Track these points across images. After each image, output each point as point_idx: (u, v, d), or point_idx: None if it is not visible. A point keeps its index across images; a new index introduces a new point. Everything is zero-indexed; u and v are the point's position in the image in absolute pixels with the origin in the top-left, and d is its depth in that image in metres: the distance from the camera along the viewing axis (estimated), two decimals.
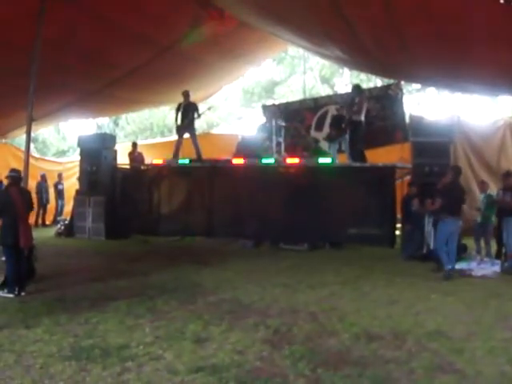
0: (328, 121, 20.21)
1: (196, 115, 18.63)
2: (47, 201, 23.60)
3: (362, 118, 16.93)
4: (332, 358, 6.29)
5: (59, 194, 24.03)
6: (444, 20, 9.33)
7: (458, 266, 12.12)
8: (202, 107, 21.65)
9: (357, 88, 18.27)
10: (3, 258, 9.96)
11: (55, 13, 12.03)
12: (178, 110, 18.94)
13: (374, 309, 8.69)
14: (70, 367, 5.90)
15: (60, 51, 14.01)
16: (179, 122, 18.73)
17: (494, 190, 15.02)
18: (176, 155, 18.84)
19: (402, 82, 20.75)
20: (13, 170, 10.50)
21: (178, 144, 19.02)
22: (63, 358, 6.18)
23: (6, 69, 14.71)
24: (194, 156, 18.61)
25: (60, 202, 24.01)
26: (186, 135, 18.88)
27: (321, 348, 6.64)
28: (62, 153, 41.71)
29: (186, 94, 18.75)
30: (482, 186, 15.33)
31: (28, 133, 12.64)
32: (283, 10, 12.26)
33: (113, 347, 6.54)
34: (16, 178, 10.33)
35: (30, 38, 11.90)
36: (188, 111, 18.63)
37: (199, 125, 20.34)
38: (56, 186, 24.06)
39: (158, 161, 19.18)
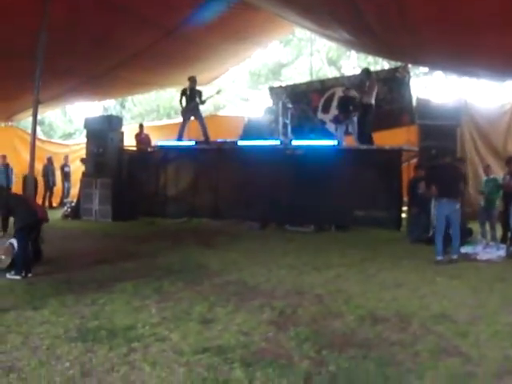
0: (335, 103, 20.16)
1: (199, 101, 18.76)
2: (54, 183, 23.64)
3: (373, 101, 16.96)
4: (337, 339, 6.31)
5: (66, 176, 24.07)
6: (452, 2, 9.28)
7: (464, 249, 12.11)
8: (209, 90, 21.64)
9: (366, 72, 18.24)
10: (11, 242, 10.00)
11: None
12: (183, 94, 19.01)
13: (379, 291, 8.71)
14: (77, 348, 5.92)
15: (66, 34, 13.98)
16: (184, 104, 18.78)
17: (500, 174, 14.97)
18: (180, 137, 18.88)
19: (410, 65, 20.68)
20: None
21: (183, 127, 19.08)
22: (70, 339, 6.21)
23: (11, 51, 14.71)
24: (200, 138, 18.66)
25: (66, 185, 24.06)
26: (191, 119, 18.98)
27: (326, 330, 6.66)
28: (69, 135, 41.72)
29: (192, 80, 18.83)
30: (487, 169, 15.31)
31: (34, 115, 12.64)
32: None
33: (119, 328, 6.57)
34: None
35: (36, 20, 11.89)
36: (194, 95, 18.71)
37: (206, 107, 20.34)
38: (62, 168, 24.11)
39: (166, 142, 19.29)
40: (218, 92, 20.90)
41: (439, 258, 11.45)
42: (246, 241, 14.38)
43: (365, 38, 14.11)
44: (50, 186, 23.31)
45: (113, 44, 16.18)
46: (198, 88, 19.24)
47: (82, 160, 20.37)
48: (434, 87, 36.32)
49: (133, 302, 7.83)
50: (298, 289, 8.81)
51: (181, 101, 19.17)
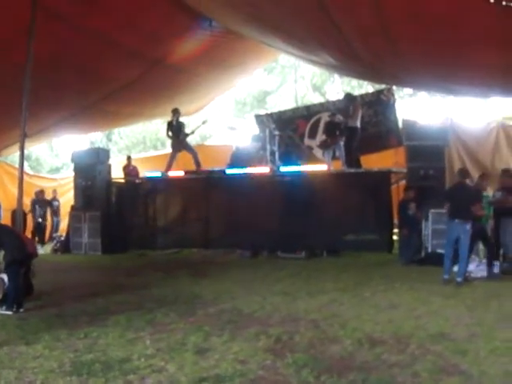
0: (321, 128, 20.22)
1: (187, 132, 19.24)
2: (43, 218, 23.50)
3: (358, 124, 17.07)
4: (335, 364, 6.25)
5: (54, 210, 23.94)
6: (434, 22, 9.36)
7: (457, 268, 12.10)
8: (195, 120, 21.70)
9: (349, 96, 18.48)
10: (1, 277, 9.89)
11: (47, 28, 12.05)
12: (169, 126, 19.16)
13: (375, 314, 8.67)
14: (72, 382, 5.83)
15: (52, 66, 13.99)
16: (171, 136, 18.97)
17: (489, 191, 15.00)
18: (169, 169, 18.92)
19: (394, 87, 20.81)
20: None
21: (172, 158, 19.13)
22: (64, 373, 6.12)
23: None
24: (188, 169, 18.71)
25: (55, 219, 23.91)
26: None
27: (324, 355, 6.60)
28: (56, 170, 41.66)
29: (176, 112, 19.04)
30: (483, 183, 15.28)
31: (21, 149, 12.57)
32: (273, 18, 12.29)
33: (114, 361, 6.47)
34: None
35: (23, 53, 11.88)
36: (180, 127, 18.90)
37: (192, 138, 20.46)
38: (51, 202, 23.98)
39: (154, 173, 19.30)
40: (203, 122, 20.96)
41: (446, 276, 11.45)
42: (238, 269, 14.32)
43: (349, 61, 14.20)
44: (38, 221, 23.17)
45: (99, 76, 16.23)
46: (181, 119, 19.36)
47: None
48: (419, 108, 36.55)
49: (126, 334, 7.72)
50: (293, 315, 8.75)
51: (168, 133, 19.26)
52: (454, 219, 11.61)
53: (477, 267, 12.79)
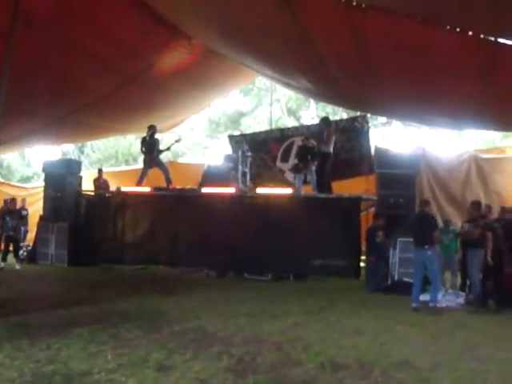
0: (294, 152, 20.29)
1: (160, 149, 19.45)
2: (12, 226, 23.23)
3: (331, 149, 17.14)
4: None
5: (22, 219, 23.67)
6: (411, 51, 9.49)
7: (423, 297, 12.16)
8: (169, 137, 21.69)
9: (325, 120, 18.61)
10: None
11: (24, 37, 11.98)
12: (143, 142, 19.21)
13: (339, 339, 8.65)
14: None
15: (27, 75, 13.90)
16: (146, 152, 18.94)
17: (458, 222, 15.15)
18: (140, 184, 18.87)
19: (369, 115, 20.97)
20: None
21: (143, 174, 19.08)
22: (24, 383, 6.05)
23: None
24: (159, 185, 18.68)
25: (23, 228, 23.64)
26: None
27: (285, 378, 6.57)
28: (27, 179, 41.30)
29: (152, 128, 19.15)
30: (446, 222, 15.39)
31: None
32: (252, 40, 12.36)
33: (75, 373, 6.40)
34: None
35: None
36: (154, 144, 18.92)
37: (164, 155, 20.46)
38: (19, 211, 23.72)
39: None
40: (177, 140, 20.97)
41: (414, 305, 11.57)
42: (205, 289, 14.23)
43: (326, 87, 14.31)
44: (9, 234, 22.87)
45: (74, 88, 16.18)
46: (156, 136, 19.36)
47: None
48: (392, 137, 36.89)
49: (89, 347, 7.64)
50: (257, 336, 8.71)
51: (142, 149, 19.26)
52: (417, 246, 11.93)
53: (443, 297, 12.89)
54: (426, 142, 30.11)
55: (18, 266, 17.48)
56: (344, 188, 17.73)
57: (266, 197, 17.17)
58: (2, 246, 18.64)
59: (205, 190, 17.66)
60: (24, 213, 22.99)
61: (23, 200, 23.73)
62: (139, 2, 12.99)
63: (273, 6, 9.50)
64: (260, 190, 17.41)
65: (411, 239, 12.80)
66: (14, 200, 19.74)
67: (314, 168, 17.22)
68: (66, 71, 14.90)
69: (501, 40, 8.70)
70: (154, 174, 19.44)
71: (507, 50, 8.91)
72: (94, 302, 11.41)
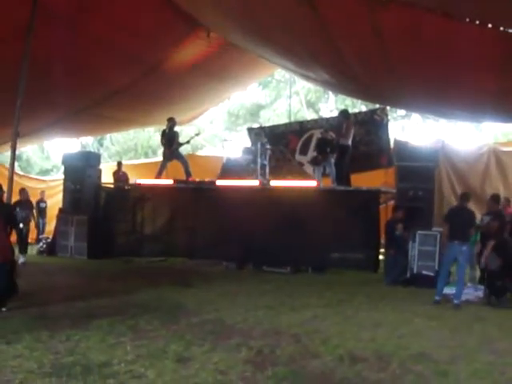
0: (313, 144, 20.25)
1: (180, 142, 19.46)
2: (28, 218, 23.40)
3: (350, 142, 17.08)
4: (315, 379, 6.24)
5: (41, 212, 23.79)
6: (430, 44, 9.43)
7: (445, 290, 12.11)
8: (188, 130, 21.72)
9: (344, 113, 18.48)
10: None
11: (44, 28, 12.05)
12: (163, 135, 19.33)
13: (357, 331, 8.65)
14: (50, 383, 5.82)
15: (47, 67, 13.95)
16: (165, 145, 19.05)
17: (477, 216, 15.05)
18: (159, 176, 18.92)
19: (388, 108, 20.88)
20: None
21: (162, 166, 19.12)
22: (43, 374, 6.10)
23: None
24: (178, 178, 18.71)
25: (41, 221, 23.77)
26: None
27: (304, 370, 6.58)
28: (46, 172, 41.48)
29: (171, 121, 19.23)
30: None
31: (13, 148, 12.57)
32: (271, 33, 12.33)
33: (94, 364, 6.45)
34: None
35: (18, 52, 11.88)
36: (173, 136, 19.01)
37: (184, 148, 20.46)
38: (38, 203, 23.83)
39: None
40: (197, 134, 21.03)
41: (437, 298, 11.51)
42: (223, 281, 14.25)
43: (345, 80, 14.25)
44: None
45: (94, 80, 16.23)
46: (176, 129, 19.39)
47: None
48: (411, 130, 36.72)
49: (108, 339, 7.70)
50: (276, 329, 8.72)
51: (162, 141, 19.33)
52: (453, 240, 11.70)
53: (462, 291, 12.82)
54: (445, 134, 29.98)
55: (21, 259, 16.16)
56: (363, 181, 17.66)
57: (285, 189, 17.13)
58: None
59: (223, 182, 17.66)
60: (42, 205, 23.14)
61: (42, 192, 23.89)
62: None
63: None
64: (276, 183, 17.37)
65: (430, 232, 12.74)
66: (23, 190, 18.48)
67: (332, 161, 17.15)
68: (85, 63, 14.96)
69: None
70: (174, 167, 19.48)
71: None
72: (113, 294, 11.50)
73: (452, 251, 11.83)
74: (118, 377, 6.07)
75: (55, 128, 21.02)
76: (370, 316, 9.98)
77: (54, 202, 23.09)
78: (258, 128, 24.35)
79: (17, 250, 14.51)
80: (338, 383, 6.10)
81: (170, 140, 18.98)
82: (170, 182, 18.72)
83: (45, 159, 45.02)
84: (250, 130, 23.84)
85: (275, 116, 39.05)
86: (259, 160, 17.52)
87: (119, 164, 21.98)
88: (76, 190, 19.03)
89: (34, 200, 22.78)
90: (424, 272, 13.88)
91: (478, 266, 13.73)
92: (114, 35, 13.99)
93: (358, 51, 11.11)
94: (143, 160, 34.38)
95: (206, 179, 18.45)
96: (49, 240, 19.97)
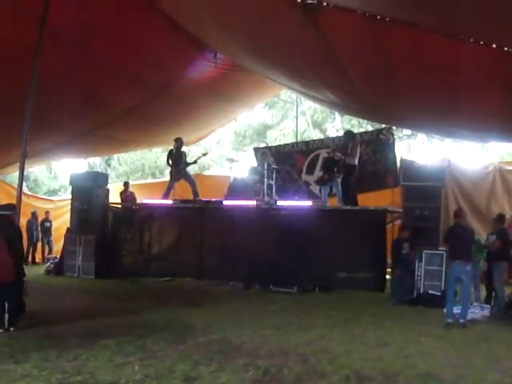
0: (319, 164, 20.31)
1: (187, 162, 19.50)
2: (38, 239, 23.57)
3: (356, 162, 17.11)
4: None
5: (45, 231, 23.91)
6: (435, 65, 9.49)
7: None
8: (195, 150, 21.82)
9: (349, 133, 18.58)
10: None
11: (52, 49, 12.16)
12: (169, 155, 19.45)
13: (364, 351, 8.66)
14: None
15: (55, 88, 14.04)
16: (172, 165, 19.12)
17: (483, 235, 15.05)
18: (166, 197, 19.00)
19: (394, 128, 20.93)
20: None
21: (170, 188, 19.21)
22: None
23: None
24: (186, 197, 18.79)
25: (46, 240, 23.89)
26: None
27: None
28: (54, 192, 41.51)
29: (178, 141, 19.30)
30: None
31: (21, 169, 12.65)
32: (277, 55, 12.42)
33: None
34: None
35: (26, 71, 11.98)
36: (180, 156, 19.04)
37: (191, 167, 20.58)
38: (42, 223, 23.96)
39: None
40: (204, 154, 21.18)
41: (450, 320, 11.34)
42: (230, 301, 14.25)
43: (350, 99, 14.33)
44: (33, 242, 23.23)
45: (102, 102, 16.33)
46: (183, 149, 19.50)
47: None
48: (417, 149, 36.71)
49: (115, 358, 7.74)
50: (283, 348, 8.74)
51: (168, 161, 19.43)
52: (454, 260, 11.69)
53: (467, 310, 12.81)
54: (451, 154, 29.98)
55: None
56: (369, 200, 17.68)
57: (292, 209, 17.16)
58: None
59: (230, 202, 17.71)
60: (47, 225, 23.33)
61: (47, 212, 24.12)
62: (166, 17, 13.12)
63: (297, 21, 9.56)
64: (283, 202, 17.39)
65: (437, 251, 12.75)
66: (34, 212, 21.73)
67: (339, 180, 17.18)
68: (93, 85, 15.05)
69: None
70: (182, 187, 19.57)
71: None
72: (121, 314, 11.54)
73: (455, 271, 11.78)
74: None
75: (63, 149, 21.13)
76: (376, 335, 9.99)
77: (62, 221, 23.19)
78: (264, 148, 24.45)
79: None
80: None
81: (177, 160, 19.08)
82: (168, 202, 18.88)
83: (52, 179, 45.07)
84: (256, 149, 23.90)
85: (282, 136, 39.05)
86: (266, 180, 17.57)
87: (126, 184, 22.05)
88: (83, 210, 19.11)
89: (40, 219, 23.01)
90: (430, 291, 13.87)
91: (484, 285, 13.76)
92: (122, 58, 14.13)
93: (364, 72, 11.19)
94: (151, 180, 34.51)
95: (213, 199, 18.50)
96: (56, 260, 20.03)
